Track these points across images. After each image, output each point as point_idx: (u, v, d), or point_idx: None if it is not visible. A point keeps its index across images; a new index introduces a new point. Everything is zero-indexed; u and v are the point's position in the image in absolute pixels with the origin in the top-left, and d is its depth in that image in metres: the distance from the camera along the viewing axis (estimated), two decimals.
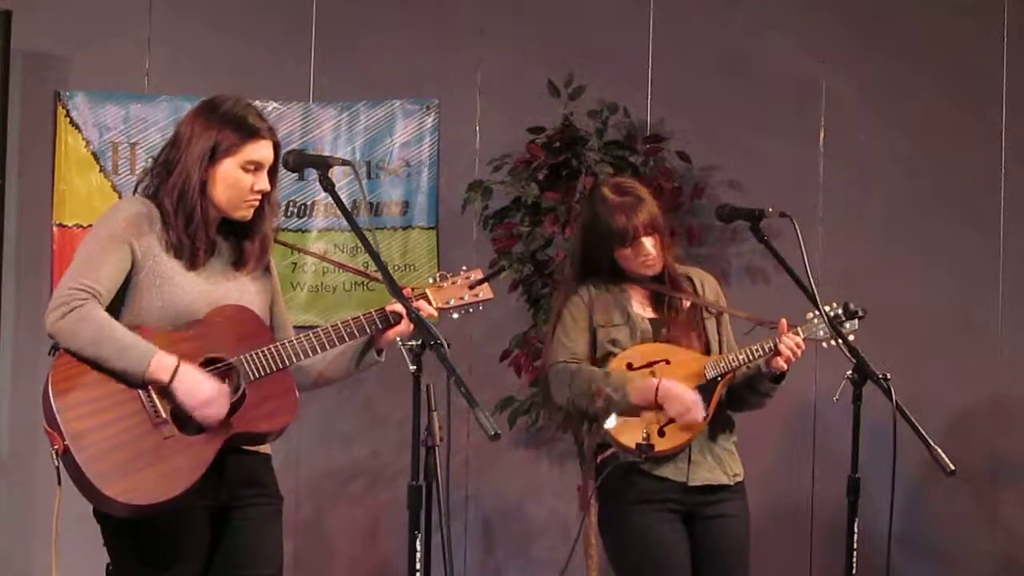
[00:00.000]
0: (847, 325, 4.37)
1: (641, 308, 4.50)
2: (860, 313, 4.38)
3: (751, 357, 4.37)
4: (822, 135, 6.36)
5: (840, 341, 4.27)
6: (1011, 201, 6.26)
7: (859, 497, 4.16)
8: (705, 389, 4.37)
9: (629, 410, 4.35)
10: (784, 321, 4.36)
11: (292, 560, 6.15)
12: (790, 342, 4.33)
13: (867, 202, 6.33)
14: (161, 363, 3.66)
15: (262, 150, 3.83)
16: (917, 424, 4.05)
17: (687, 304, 4.51)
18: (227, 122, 3.80)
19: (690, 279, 4.58)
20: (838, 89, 6.34)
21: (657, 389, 4.32)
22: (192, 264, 3.78)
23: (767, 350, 4.35)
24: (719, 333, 4.54)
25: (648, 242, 4.41)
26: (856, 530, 4.15)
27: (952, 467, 4.06)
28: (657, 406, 4.33)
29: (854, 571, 4.16)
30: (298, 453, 6.32)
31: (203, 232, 3.79)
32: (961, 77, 6.30)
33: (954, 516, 6.21)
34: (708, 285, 4.61)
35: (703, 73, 6.37)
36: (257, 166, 3.82)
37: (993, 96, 6.28)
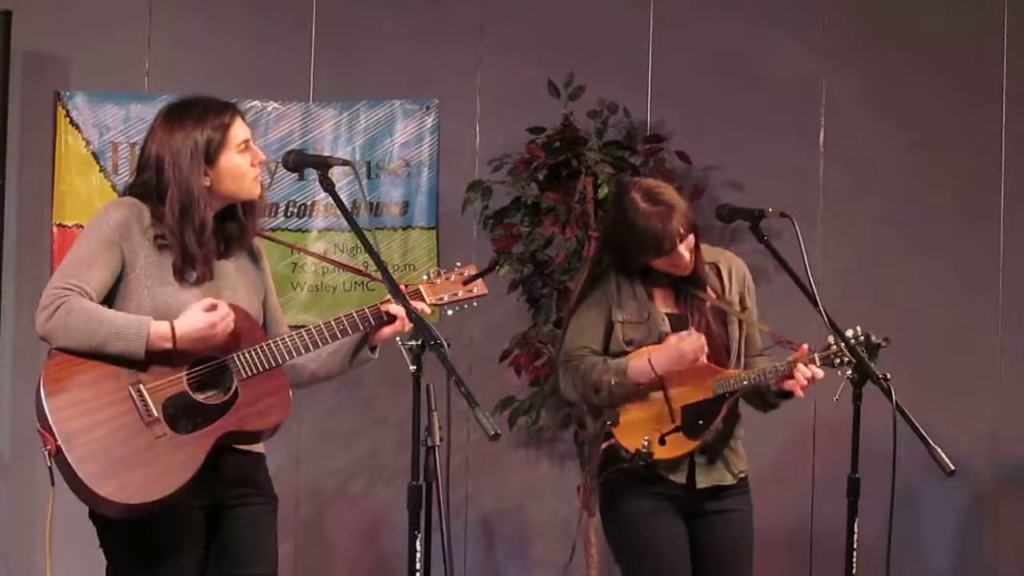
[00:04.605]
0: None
1: (663, 302, 4.40)
2: (883, 344, 4.24)
3: (763, 379, 4.28)
4: (822, 135, 6.36)
5: (856, 365, 4.15)
6: (1011, 200, 6.26)
7: (859, 497, 4.16)
8: (710, 403, 4.31)
9: (635, 392, 4.28)
10: (805, 347, 4.26)
11: (292, 560, 6.16)
12: (808, 372, 4.23)
13: (867, 202, 6.33)
14: (158, 333, 3.65)
15: (242, 126, 3.82)
16: (917, 424, 4.04)
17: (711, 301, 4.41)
18: (200, 120, 3.77)
19: (717, 267, 4.46)
20: (838, 89, 6.34)
21: (651, 362, 4.26)
22: (201, 279, 3.76)
23: (780, 373, 4.26)
24: (740, 332, 4.43)
25: (683, 248, 4.30)
26: (856, 530, 4.15)
27: (952, 467, 4.05)
28: (660, 378, 4.26)
29: (854, 571, 4.15)
30: (298, 453, 6.32)
31: (210, 239, 3.78)
32: (961, 76, 6.30)
33: (954, 516, 6.21)
34: (735, 272, 4.49)
35: (703, 73, 6.36)
36: (247, 142, 3.81)
37: (993, 95, 6.28)
